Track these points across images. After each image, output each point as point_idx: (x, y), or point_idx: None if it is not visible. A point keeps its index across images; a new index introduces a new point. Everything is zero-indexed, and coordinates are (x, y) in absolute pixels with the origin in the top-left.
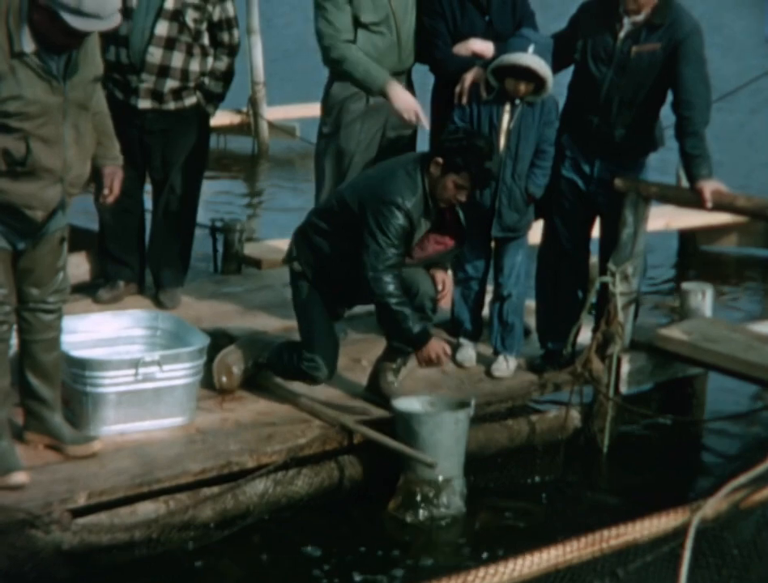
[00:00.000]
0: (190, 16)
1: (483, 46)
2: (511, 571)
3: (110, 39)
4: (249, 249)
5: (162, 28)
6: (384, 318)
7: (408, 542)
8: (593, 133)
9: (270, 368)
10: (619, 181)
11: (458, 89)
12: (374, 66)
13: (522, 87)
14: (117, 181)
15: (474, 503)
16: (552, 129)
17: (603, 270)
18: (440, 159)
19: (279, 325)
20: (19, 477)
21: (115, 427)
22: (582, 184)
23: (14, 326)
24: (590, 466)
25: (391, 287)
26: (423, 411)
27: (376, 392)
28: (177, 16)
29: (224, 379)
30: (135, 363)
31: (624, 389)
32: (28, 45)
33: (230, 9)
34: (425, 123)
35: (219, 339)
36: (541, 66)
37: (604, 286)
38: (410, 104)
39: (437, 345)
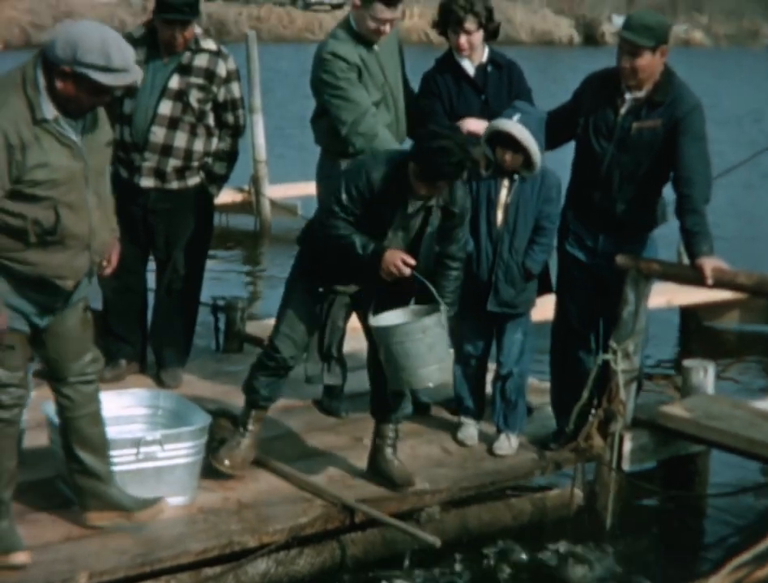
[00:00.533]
0: (194, 96)
1: (478, 126)
2: None
3: (115, 117)
4: (251, 328)
5: (165, 108)
6: (336, 253)
7: None
8: (595, 208)
9: (246, 389)
10: (621, 258)
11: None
12: (397, 146)
13: (509, 157)
14: (115, 254)
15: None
16: (553, 206)
17: (605, 348)
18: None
19: (280, 404)
20: (20, 557)
21: None
22: (587, 259)
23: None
24: (592, 545)
25: (338, 224)
26: (389, 324)
27: (376, 471)
28: (180, 96)
29: (227, 462)
30: (137, 443)
31: (626, 466)
32: (50, 112)
33: (235, 90)
34: None
35: (220, 418)
36: (522, 134)
37: (606, 363)
38: None
39: (394, 255)
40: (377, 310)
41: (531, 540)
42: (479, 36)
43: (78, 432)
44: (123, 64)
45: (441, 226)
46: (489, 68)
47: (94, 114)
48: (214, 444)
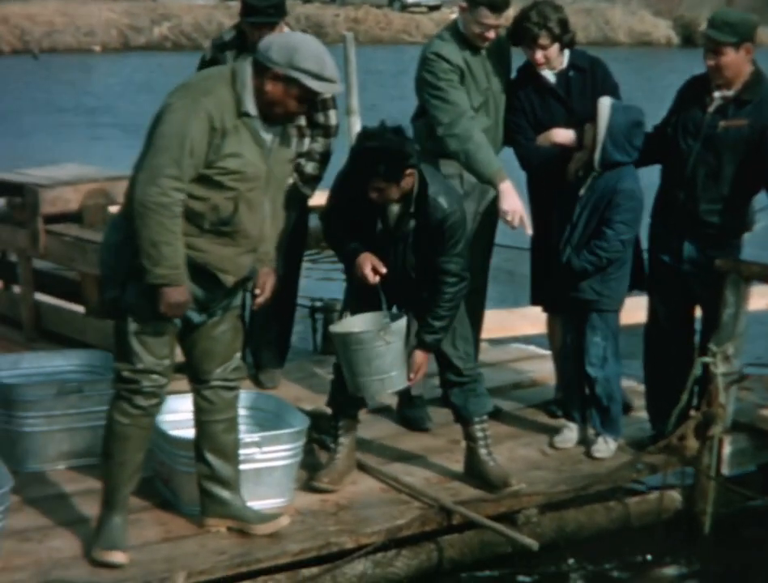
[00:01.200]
0: None
1: (564, 135)
2: None
3: None
4: None
5: None
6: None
7: None
8: (679, 209)
9: (332, 399)
10: (720, 262)
11: (570, 173)
12: (492, 151)
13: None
14: (269, 283)
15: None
16: (616, 212)
17: (704, 351)
18: None
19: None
20: (119, 557)
21: None
22: (674, 263)
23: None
24: (691, 549)
25: (332, 227)
26: (337, 331)
27: (472, 473)
28: None
29: (326, 479)
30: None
31: (726, 470)
32: (252, 109)
33: None
34: (529, 229)
35: (319, 420)
36: (603, 109)
37: (706, 366)
38: (517, 207)
39: (364, 260)
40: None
41: (626, 543)
42: (554, 48)
43: (212, 437)
44: (332, 75)
45: (425, 237)
46: (571, 73)
47: (285, 129)
48: (310, 446)
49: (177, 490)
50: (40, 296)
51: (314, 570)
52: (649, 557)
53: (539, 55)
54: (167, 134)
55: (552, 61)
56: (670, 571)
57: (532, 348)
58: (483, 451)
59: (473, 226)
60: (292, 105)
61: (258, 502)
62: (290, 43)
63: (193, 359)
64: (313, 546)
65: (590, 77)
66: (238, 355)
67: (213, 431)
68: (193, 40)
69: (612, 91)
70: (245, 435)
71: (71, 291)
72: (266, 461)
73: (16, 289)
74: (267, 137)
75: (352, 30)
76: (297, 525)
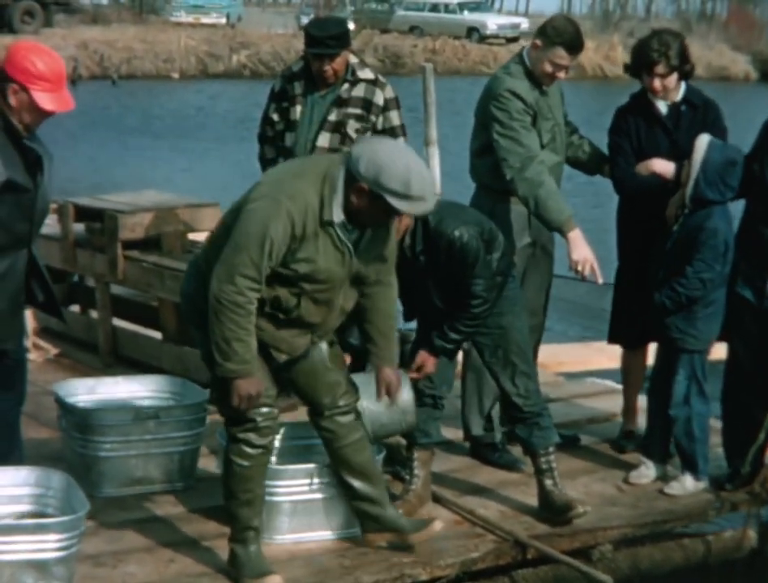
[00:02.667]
0: (352, 127)
1: (664, 167)
2: None
3: (279, 150)
4: None
5: (324, 140)
6: None
7: None
8: (764, 246)
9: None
10: None
11: (670, 213)
12: (562, 198)
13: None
14: (392, 386)
15: None
16: (699, 250)
17: None
18: None
19: (451, 437)
20: (275, 580)
21: (289, 537)
22: (755, 300)
23: None
24: None
25: None
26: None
27: (543, 507)
28: (338, 128)
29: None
30: (310, 473)
31: None
32: (337, 216)
33: (394, 118)
34: (599, 278)
35: (394, 451)
36: (699, 145)
37: None
38: (588, 256)
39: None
40: None
41: (702, 580)
42: (673, 78)
43: (345, 461)
44: (421, 193)
45: (441, 268)
46: (683, 107)
47: (386, 227)
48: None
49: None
50: (118, 322)
51: None
52: None
53: (656, 83)
54: (249, 233)
55: (669, 92)
56: None
57: (608, 382)
58: (549, 482)
59: (532, 261)
60: (376, 217)
61: (332, 531)
62: (378, 159)
63: (300, 394)
64: (388, 578)
65: (701, 114)
66: (343, 379)
67: (344, 456)
68: (271, 68)
69: (721, 133)
70: (321, 464)
71: (148, 317)
72: (327, 491)
73: (93, 314)
74: (350, 240)
75: (429, 60)
76: (371, 555)
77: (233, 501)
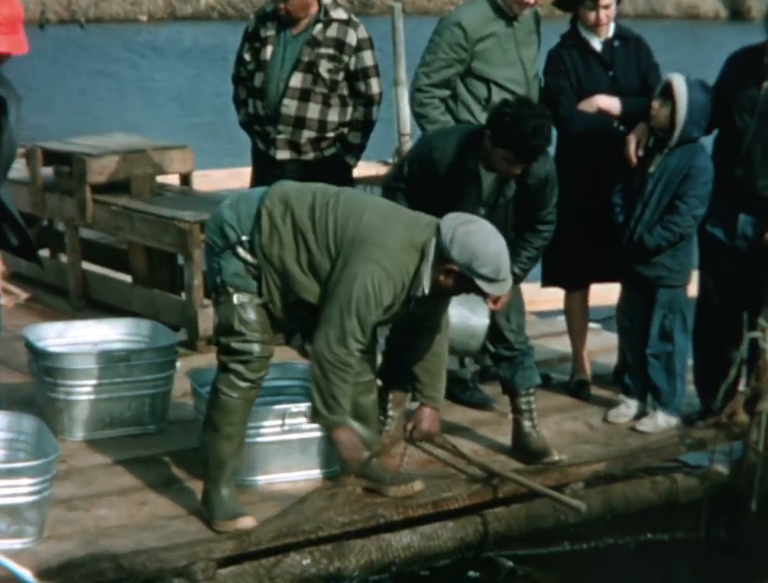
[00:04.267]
0: (324, 67)
1: (608, 102)
2: None
3: (249, 91)
4: None
5: (296, 80)
6: None
7: None
8: (736, 185)
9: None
10: None
11: (630, 149)
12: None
13: (656, 105)
14: (426, 425)
15: (614, 561)
16: (690, 186)
17: (753, 326)
18: (488, 132)
19: None
20: (247, 521)
21: (262, 478)
22: (726, 239)
23: None
24: (736, 525)
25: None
26: None
27: (516, 446)
28: (311, 68)
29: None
30: (282, 414)
31: None
32: (426, 289)
33: (367, 59)
34: None
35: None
36: (679, 86)
37: (754, 341)
38: None
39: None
40: None
41: (672, 518)
42: (613, 8)
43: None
44: (506, 276)
45: (521, 194)
46: (616, 43)
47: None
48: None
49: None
50: (87, 265)
51: (360, 542)
52: (694, 533)
53: (602, 15)
54: (360, 299)
55: (602, 28)
56: (716, 547)
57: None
58: (527, 423)
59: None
60: (456, 291)
61: (306, 472)
62: (471, 244)
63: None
64: (361, 518)
65: (633, 49)
66: None
67: (352, 394)
68: (239, 10)
69: (654, 69)
70: (293, 405)
71: (118, 261)
72: (312, 430)
73: (63, 258)
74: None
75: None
76: (343, 496)
77: (214, 434)
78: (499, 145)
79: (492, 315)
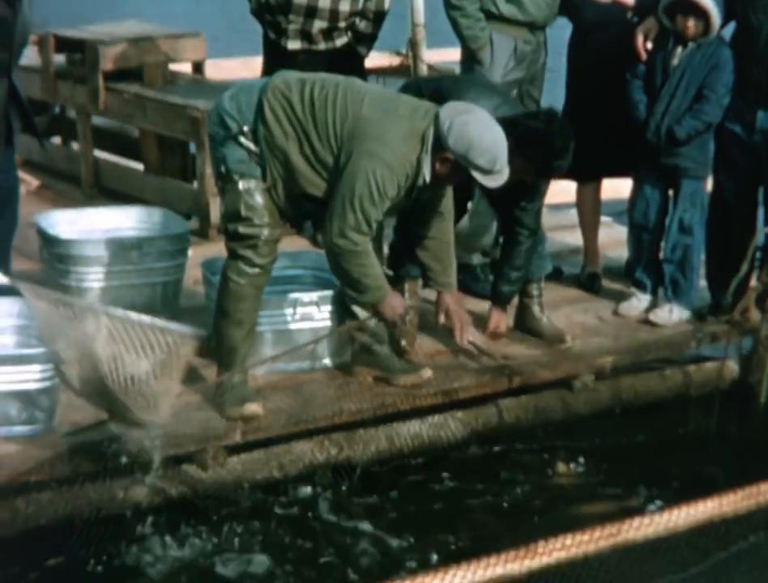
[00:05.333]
0: None
1: None
2: (666, 521)
3: None
4: None
5: None
6: None
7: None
8: (753, 83)
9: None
10: None
11: (638, 42)
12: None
13: (691, 24)
14: (452, 309)
15: (626, 452)
16: (717, 76)
17: (767, 221)
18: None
19: None
20: (254, 408)
21: (273, 366)
22: (745, 135)
23: None
24: (746, 419)
25: None
26: None
27: (525, 329)
28: None
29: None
30: (294, 303)
31: None
32: (427, 177)
33: None
34: None
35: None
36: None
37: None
38: None
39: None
40: None
41: (681, 412)
42: None
43: None
44: (501, 168)
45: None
46: None
47: None
48: None
49: None
50: (99, 153)
51: (371, 430)
52: (705, 427)
53: None
54: (365, 195)
55: None
56: (724, 440)
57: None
58: (536, 308)
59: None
60: (451, 181)
61: (317, 361)
62: (468, 134)
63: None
64: (370, 407)
65: None
66: None
67: None
68: None
69: None
70: (304, 294)
71: (130, 148)
72: (323, 320)
73: (75, 146)
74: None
75: None
76: (355, 386)
77: (224, 320)
78: (522, 156)
79: (510, 205)
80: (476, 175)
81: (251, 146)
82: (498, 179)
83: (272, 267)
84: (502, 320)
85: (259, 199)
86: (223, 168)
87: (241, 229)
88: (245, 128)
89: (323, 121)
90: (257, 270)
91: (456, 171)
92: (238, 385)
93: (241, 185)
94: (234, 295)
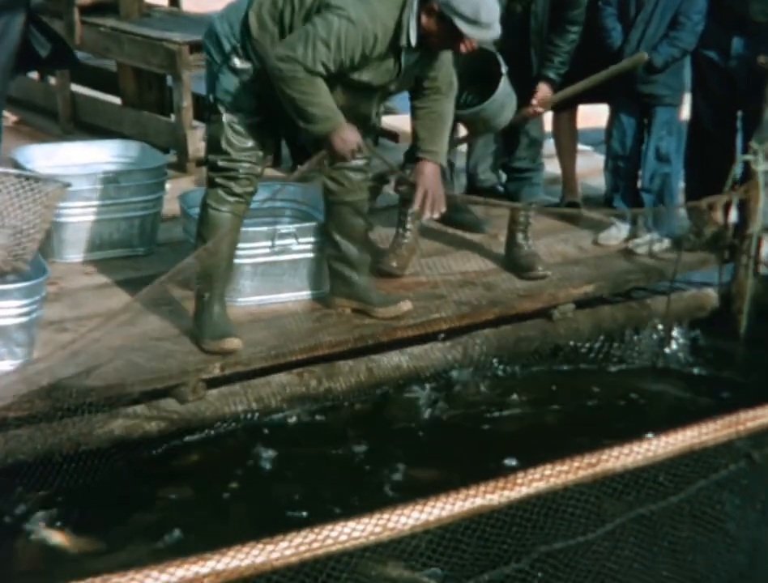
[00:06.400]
0: None
1: None
2: (645, 451)
3: None
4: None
5: None
6: None
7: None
8: (727, 8)
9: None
10: (762, 58)
11: None
12: None
13: None
14: (425, 179)
15: (604, 379)
16: (693, 2)
17: (746, 149)
18: None
19: None
20: (234, 343)
21: (252, 299)
22: (721, 61)
23: None
24: (727, 347)
25: None
26: None
27: (508, 259)
28: None
29: (395, 264)
30: (272, 235)
31: (764, 269)
32: (413, 39)
33: None
34: None
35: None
36: None
37: (746, 164)
38: None
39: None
40: None
41: (665, 339)
42: None
43: (340, 218)
44: (488, 20)
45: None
46: None
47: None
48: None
49: None
50: (76, 87)
51: (350, 362)
52: (683, 355)
53: None
54: (321, 37)
55: None
56: (705, 369)
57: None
58: (520, 235)
59: None
60: (443, 41)
61: (296, 293)
62: None
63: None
64: (349, 339)
65: None
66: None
67: (341, 213)
68: None
69: None
70: (282, 226)
71: (107, 83)
72: (302, 252)
73: (52, 80)
74: (411, 59)
75: None
76: (334, 318)
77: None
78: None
79: (517, 127)
80: (460, 25)
81: (244, 65)
82: (485, 33)
83: (252, 197)
84: (548, 93)
85: (241, 135)
86: (211, 97)
87: (221, 162)
88: (237, 44)
89: (307, 13)
90: (236, 198)
91: (441, 24)
92: (218, 317)
93: (225, 117)
94: (214, 224)
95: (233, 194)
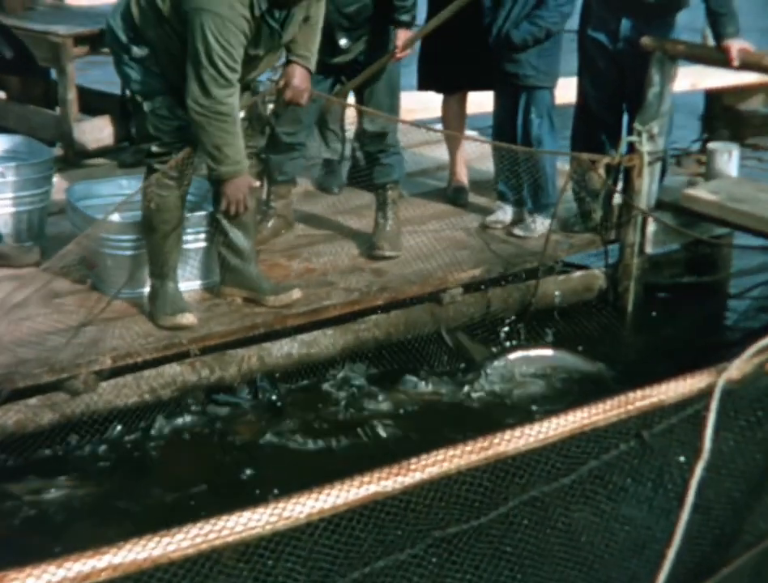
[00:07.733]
0: None
1: None
2: (537, 433)
3: None
4: None
5: None
6: None
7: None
8: None
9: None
10: (646, 40)
11: None
12: None
13: None
14: (297, 81)
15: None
16: None
17: (630, 130)
18: None
19: (303, 189)
20: (189, 318)
21: (138, 290)
22: (609, 43)
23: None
24: (614, 328)
25: None
26: None
27: (373, 246)
28: None
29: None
30: None
31: (649, 249)
32: (263, 4)
33: None
34: None
35: None
36: None
37: (631, 145)
38: None
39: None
40: None
41: (551, 322)
42: None
43: None
44: None
45: None
46: None
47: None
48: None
49: (102, 274)
50: None
51: (241, 351)
52: (573, 334)
53: None
54: (210, 51)
55: None
56: (595, 347)
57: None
58: (380, 213)
59: None
60: None
61: (184, 283)
62: None
63: None
64: (241, 327)
65: None
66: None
67: None
68: None
69: None
70: None
71: None
72: (191, 242)
73: None
74: (280, 20)
75: None
76: (224, 307)
77: (153, 235)
78: None
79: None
80: None
81: (142, 52)
82: None
83: (191, 177)
84: (407, 35)
85: (166, 117)
86: (128, 91)
87: (155, 148)
88: (132, 34)
89: None
90: (175, 181)
91: None
92: (173, 293)
93: (145, 106)
94: (158, 208)
95: (172, 178)
